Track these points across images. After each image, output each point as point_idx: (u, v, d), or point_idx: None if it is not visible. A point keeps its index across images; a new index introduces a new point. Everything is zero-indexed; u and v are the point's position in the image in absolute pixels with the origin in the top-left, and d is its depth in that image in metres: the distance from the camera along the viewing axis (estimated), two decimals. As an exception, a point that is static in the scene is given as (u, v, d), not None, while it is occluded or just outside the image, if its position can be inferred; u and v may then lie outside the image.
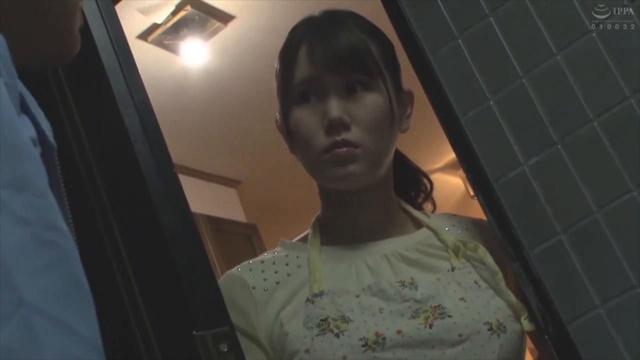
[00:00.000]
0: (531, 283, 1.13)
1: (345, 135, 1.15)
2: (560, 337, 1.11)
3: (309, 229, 1.27)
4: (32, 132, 0.58)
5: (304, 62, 1.19)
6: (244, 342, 1.15)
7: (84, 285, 0.54)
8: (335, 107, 1.16)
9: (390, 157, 1.23)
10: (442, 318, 1.11)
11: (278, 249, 1.27)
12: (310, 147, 1.19)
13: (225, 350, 1.02)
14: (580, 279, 1.10)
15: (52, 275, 0.51)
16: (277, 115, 1.27)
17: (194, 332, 1.01)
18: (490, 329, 1.11)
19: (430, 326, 1.10)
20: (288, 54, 1.23)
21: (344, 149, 1.15)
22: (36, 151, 0.57)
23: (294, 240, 1.29)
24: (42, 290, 0.50)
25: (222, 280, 1.23)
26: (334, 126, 1.15)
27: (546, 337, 1.13)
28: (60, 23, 0.75)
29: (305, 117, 1.18)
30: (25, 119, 0.58)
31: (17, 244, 0.50)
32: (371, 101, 1.18)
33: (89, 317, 0.53)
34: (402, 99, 1.25)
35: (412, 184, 1.35)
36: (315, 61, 1.18)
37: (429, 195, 1.36)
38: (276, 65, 1.26)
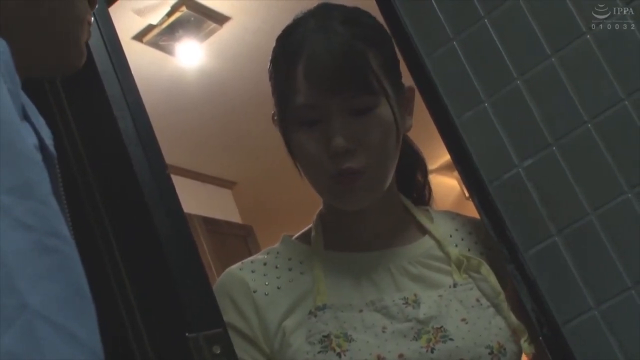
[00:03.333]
0: (526, 285, 1.13)
1: (350, 163, 1.12)
2: (554, 338, 1.11)
3: (312, 229, 1.25)
4: (34, 140, 0.58)
5: (302, 85, 1.13)
6: (242, 344, 1.14)
7: (85, 291, 0.54)
8: (339, 135, 1.11)
9: (395, 164, 1.20)
10: (444, 342, 1.10)
11: (279, 246, 1.25)
12: (315, 173, 1.16)
13: (219, 352, 1.01)
14: (575, 280, 1.10)
15: (54, 281, 0.52)
16: (273, 112, 1.24)
17: (187, 334, 1.01)
18: (491, 353, 1.11)
19: (432, 350, 1.09)
20: (284, 68, 1.17)
21: (351, 177, 1.13)
22: (39, 158, 0.57)
23: (296, 236, 1.27)
24: (44, 296, 0.50)
25: (223, 277, 1.22)
26: (339, 153, 1.12)
27: (540, 338, 1.13)
28: (66, 33, 0.75)
29: (309, 141, 1.14)
30: (26, 126, 0.58)
31: (20, 249, 0.51)
32: (376, 122, 1.14)
33: (89, 323, 0.53)
34: (403, 99, 1.21)
35: (409, 162, 1.32)
36: (314, 86, 1.13)
37: (426, 176, 1.34)
38: (269, 68, 1.22)
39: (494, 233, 1.16)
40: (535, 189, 1.14)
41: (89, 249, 1.12)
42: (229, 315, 1.15)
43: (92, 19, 0.80)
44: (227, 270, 1.23)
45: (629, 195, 1.09)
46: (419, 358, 1.09)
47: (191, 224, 4.65)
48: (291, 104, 1.16)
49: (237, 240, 5.27)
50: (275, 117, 1.23)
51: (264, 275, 1.19)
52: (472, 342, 1.11)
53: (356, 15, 1.20)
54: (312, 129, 1.14)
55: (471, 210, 1.28)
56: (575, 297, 1.10)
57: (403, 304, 1.14)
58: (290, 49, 1.17)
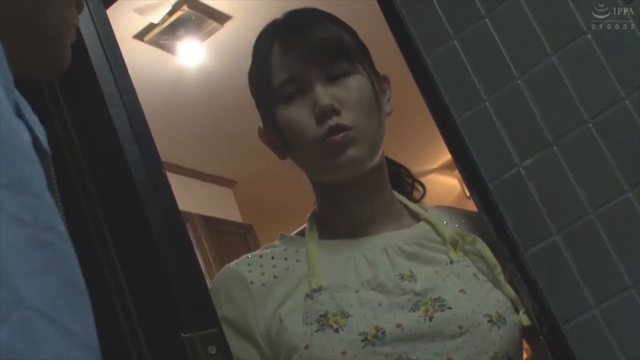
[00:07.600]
0: (526, 284, 1.13)
1: (338, 120, 1.16)
2: (554, 337, 1.11)
3: (306, 223, 1.26)
4: (27, 137, 0.58)
5: (279, 64, 1.20)
6: (236, 339, 1.15)
7: (80, 286, 0.54)
8: (323, 95, 1.16)
9: (383, 141, 1.23)
10: (442, 310, 1.11)
11: (277, 242, 1.27)
12: (305, 140, 1.18)
13: (214, 352, 1.01)
14: (575, 279, 1.10)
15: (49, 276, 0.51)
16: (260, 126, 1.28)
17: (182, 334, 1.01)
18: (490, 321, 1.11)
19: (430, 319, 1.10)
20: (260, 60, 1.23)
21: (341, 135, 1.15)
22: (34, 153, 0.57)
23: (293, 233, 1.29)
24: (39, 291, 0.50)
25: (220, 273, 1.23)
26: (326, 113, 1.16)
27: (541, 337, 1.13)
28: (55, 36, 0.76)
29: (295, 112, 1.18)
30: (20, 123, 0.58)
31: (15, 244, 0.50)
32: (355, 83, 1.19)
33: (85, 318, 0.53)
34: (381, 84, 1.26)
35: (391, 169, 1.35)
36: (292, 58, 1.19)
37: (411, 177, 1.37)
38: (249, 71, 1.27)
39: (494, 232, 1.16)
40: (535, 188, 1.14)
41: (85, 248, 1.11)
42: (224, 309, 1.16)
43: (89, 17, 0.81)
44: (224, 267, 1.25)
45: (630, 194, 1.09)
46: (417, 327, 1.09)
47: (191, 223, 4.66)
48: (272, 86, 1.20)
49: (237, 238, 5.28)
50: (260, 126, 1.27)
51: (260, 266, 1.21)
52: (470, 310, 1.11)
53: (329, 13, 1.27)
54: (296, 103, 1.19)
55: (472, 209, 1.28)
56: (575, 296, 1.10)
57: (399, 279, 1.14)
58: (266, 42, 1.24)
